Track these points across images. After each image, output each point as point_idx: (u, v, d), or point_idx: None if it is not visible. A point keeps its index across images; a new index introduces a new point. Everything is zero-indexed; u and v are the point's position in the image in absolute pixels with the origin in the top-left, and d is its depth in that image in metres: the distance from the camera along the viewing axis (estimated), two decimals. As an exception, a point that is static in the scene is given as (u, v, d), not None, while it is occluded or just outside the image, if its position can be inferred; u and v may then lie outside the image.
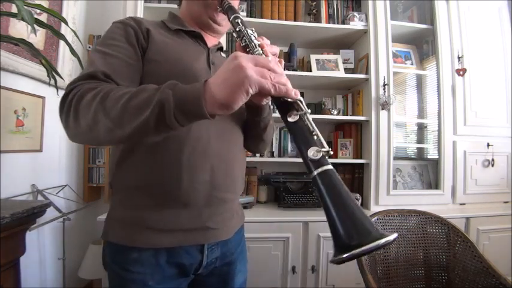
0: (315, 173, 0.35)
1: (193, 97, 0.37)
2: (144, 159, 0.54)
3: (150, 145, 0.54)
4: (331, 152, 0.36)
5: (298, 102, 0.40)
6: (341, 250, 0.31)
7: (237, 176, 0.64)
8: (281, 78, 0.39)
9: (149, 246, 0.54)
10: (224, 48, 0.80)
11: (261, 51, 0.47)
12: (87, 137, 0.44)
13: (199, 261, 0.59)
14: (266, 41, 0.51)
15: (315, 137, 0.38)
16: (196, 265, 0.59)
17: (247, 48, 0.49)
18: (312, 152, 0.36)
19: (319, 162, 0.35)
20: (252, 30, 0.52)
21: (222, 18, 0.65)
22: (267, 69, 0.38)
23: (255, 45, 0.48)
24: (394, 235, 0.31)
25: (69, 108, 0.44)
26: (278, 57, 0.50)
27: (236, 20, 0.54)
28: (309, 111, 0.40)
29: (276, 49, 0.50)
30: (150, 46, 0.57)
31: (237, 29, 0.53)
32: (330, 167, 0.35)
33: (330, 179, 0.34)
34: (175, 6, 1.54)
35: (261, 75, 0.36)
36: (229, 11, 0.58)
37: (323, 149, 0.36)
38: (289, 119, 0.39)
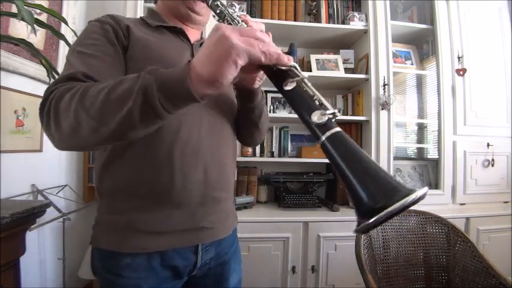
0: (323, 138, 0.31)
1: (177, 78, 0.34)
2: (132, 160, 0.52)
3: (138, 145, 0.51)
4: (338, 114, 0.33)
5: (293, 68, 0.37)
6: (365, 216, 0.27)
7: (230, 174, 0.63)
8: (270, 46, 0.35)
9: (141, 251, 0.52)
10: None
11: (245, 26, 0.44)
12: (72, 141, 0.41)
13: (193, 263, 0.57)
14: (249, 19, 0.48)
15: (317, 102, 0.34)
16: (191, 267, 0.57)
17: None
18: (316, 117, 0.32)
19: (326, 126, 0.32)
20: (234, 9, 0.50)
21: (201, 6, 0.62)
22: (253, 38, 0.34)
23: (239, 22, 0.45)
24: (425, 189, 0.27)
25: (48, 113, 0.41)
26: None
27: (215, 3, 0.50)
28: (307, 75, 0.38)
29: (262, 26, 0.46)
30: (132, 44, 0.53)
31: (218, 11, 0.49)
32: (339, 129, 0.32)
33: (341, 141, 0.31)
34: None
35: (248, 44, 0.33)
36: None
37: (328, 112, 0.32)
38: (286, 88, 0.36)
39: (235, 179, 1.61)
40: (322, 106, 0.34)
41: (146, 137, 0.43)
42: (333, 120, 0.33)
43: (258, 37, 0.34)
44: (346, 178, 0.29)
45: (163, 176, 0.52)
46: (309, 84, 0.36)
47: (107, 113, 0.36)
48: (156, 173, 0.52)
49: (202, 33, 0.71)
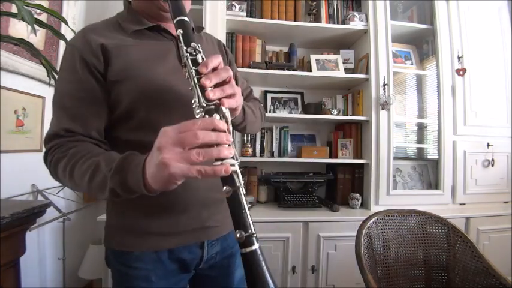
0: (241, 251, 0.38)
1: (136, 187, 0.40)
2: None
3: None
4: (255, 236, 0.38)
5: (234, 175, 0.39)
6: None
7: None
8: (211, 154, 0.36)
9: (151, 250, 0.56)
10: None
11: (201, 100, 0.41)
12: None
13: (199, 257, 0.61)
14: (212, 63, 0.43)
15: (245, 216, 0.38)
16: (197, 260, 0.61)
17: (184, 69, 0.45)
18: (238, 234, 0.37)
19: (244, 244, 0.37)
20: (196, 50, 0.44)
21: None
22: (194, 143, 0.36)
23: (196, 89, 0.42)
24: None
25: (50, 171, 0.51)
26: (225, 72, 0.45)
27: (178, 32, 0.46)
28: (242, 183, 0.40)
29: (226, 74, 0.44)
30: (110, 63, 0.53)
31: (179, 44, 0.46)
32: (252, 248, 0.37)
33: (251, 259, 0.37)
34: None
35: (187, 160, 0.36)
36: (169, 4, 0.48)
37: (247, 233, 0.37)
38: (225, 195, 0.39)
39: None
40: (248, 222, 0.38)
41: None
42: (253, 237, 0.38)
43: (199, 140, 0.36)
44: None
45: None
46: (243, 193, 0.39)
47: (92, 193, 0.46)
48: None
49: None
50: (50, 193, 1.34)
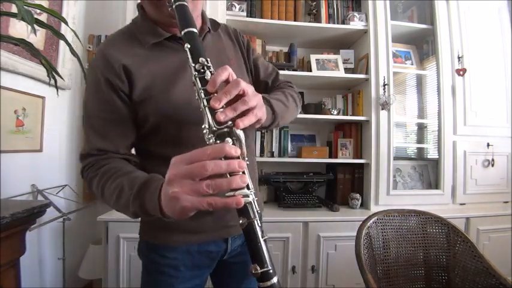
0: (259, 285, 0.37)
1: (154, 211, 0.41)
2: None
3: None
4: (271, 270, 0.37)
5: (247, 206, 0.37)
6: None
7: (252, 175, 0.66)
8: (221, 185, 0.34)
9: (180, 245, 0.62)
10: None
11: (211, 123, 0.39)
12: None
13: (224, 249, 0.66)
14: (222, 76, 0.40)
15: (261, 249, 0.37)
16: (222, 252, 0.66)
17: (195, 87, 0.42)
18: (253, 270, 0.36)
19: (261, 279, 0.36)
20: (205, 66, 0.41)
21: None
22: (203, 175, 0.34)
23: (205, 111, 0.39)
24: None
25: (86, 185, 0.56)
26: (230, 81, 0.41)
27: (185, 46, 0.43)
28: (257, 215, 0.37)
29: (236, 89, 0.40)
30: (133, 84, 0.54)
31: (191, 71, 0.43)
32: (270, 283, 0.36)
33: None
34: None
35: (197, 192, 0.34)
36: (176, 15, 0.45)
37: (263, 268, 0.36)
38: (240, 224, 0.38)
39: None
40: (264, 256, 0.37)
41: None
42: (270, 271, 0.36)
43: (208, 171, 0.34)
44: None
45: None
46: (257, 225, 0.37)
47: (120, 211, 0.49)
48: None
49: (203, 16, 0.64)
50: (50, 193, 1.34)
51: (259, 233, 0.37)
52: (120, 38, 0.59)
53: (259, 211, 0.38)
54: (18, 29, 1.15)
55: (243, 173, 0.36)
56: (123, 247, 1.30)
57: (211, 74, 0.40)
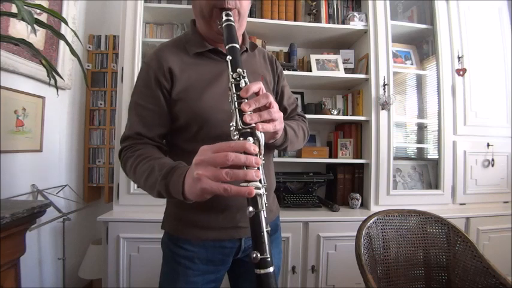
0: (256, 271, 0.40)
1: (176, 193, 0.47)
2: None
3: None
4: (269, 258, 0.40)
5: (257, 197, 0.41)
6: None
7: (270, 180, 0.74)
8: (238, 174, 0.40)
9: (195, 238, 0.67)
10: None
11: (238, 123, 0.45)
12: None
13: (238, 246, 0.70)
14: (254, 88, 0.48)
15: (263, 238, 0.40)
16: (236, 248, 0.70)
17: (229, 92, 0.49)
18: (253, 255, 0.39)
19: (258, 265, 0.39)
20: (240, 76, 0.49)
21: None
22: (225, 164, 0.40)
23: (235, 112, 0.47)
24: None
25: (121, 165, 0.64)
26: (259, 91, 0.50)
27: (227, 58, 0.51)
28: (265, 206, 0.42)
29: (265, 100, 0.48)
30: (175, 84, 0.64)
31: (229, 79, 0.51)
32: (267, 270, 0.39)
33: (265, 281, 0.39)
34: (175, 6, 1.55)
35: (216, 178, 0.41)
36: (225, 32, 0.55)
37: (261, 256, 0.39)
38: (247, 214, 0.41)
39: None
40: (264, 245, 0.40)
41: None
42: (268, 259, 0.40)
43: (230, 162, 0.40)
44: None
45: None
46: (263, 217, 0.42)
47: (146, 190, 0.56)
48: None
49: (244, 37, 0.74)
50: (50, 193, 1.34)
51: (263, 224, 0.41)
52: (172, 45, 0.70)
53: (267, 205, 0.43)
54: (18, 29, 1.15)
55: (258, 168, 0.42)
56: (123, 247, 1.30)
57: (245, 84, 0.49)
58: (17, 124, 1.18)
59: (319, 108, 1.75)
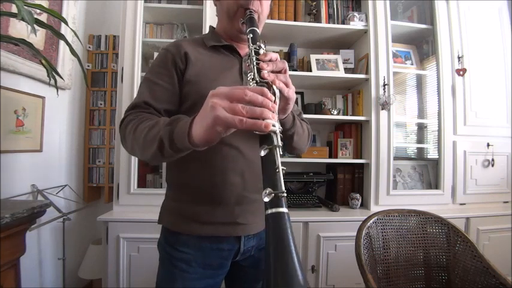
0: (266, 212, 0.34)
1: (181, 136, 0.45)
2: (189, 163, 0.66)
3: (196, 158, 0.63)
4: (284, 194, 0.35)
5: (272, 134, 0.40)
6: None
7: None
8: (255, 111, 0.39)
9: (189, 233, 0.66)
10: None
11: (255, 75, 0.48)
12: (132, 155, 0.62)
13: (237, 248, 0.68)
14: (272, 56, 0.52)
15: (277, 175, 0.37)
16: (235, 251, 0.68)
17: (249, 71, 0.52)
18: (266, 191, 0.35)
19: (270, 204, 0.34)
20: (262, 46, 0.55)
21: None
22: (242, 101, 0.39)
23: (253, 69, 0.50)
24: None
25: (119, 133, 0.62)
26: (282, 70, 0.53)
27: (248, 36, 0.58)
28: (281, 144, 0.40)
29: (282, 65, 0.52)
30: (188, 67, 0.67)
31: (249, 48, 0.56)
32: (280, 210, 0.34)
33: (277, 222, 0.33)
34: (175, 6, 1.55)
35: (232, 110, 0.38)
36: (247, 22, 0.63)
37: (276, 191, 0.35)
38: (260, 153, 0.39)
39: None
40: (279, 182, 0.36)
41: (200, 152, 0.52)
42: (282, 198, 0.35)
43: (247, 99, 0.39)
44: (266, 256, 0.32)
45: (207, 178, 0.66)
46: (279, 154, 0.39)
47: (144, 149, 0.53)
48: (202, 175, 0.66)
49: None
50: (50, 193, 1.34)
51: (279, 161, 0.38)
52: (190, 40, 0.75)
53: (282, 144, 0.40)
54: (18, 29, 1.15)
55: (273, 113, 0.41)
56: (123, 247, 1.30)
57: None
58: (17, 124, 1.18)
59: (319, 108, 1.75)
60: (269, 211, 0.34)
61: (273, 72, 0.50)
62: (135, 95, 0.69)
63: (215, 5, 0.77)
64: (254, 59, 0.51)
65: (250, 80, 0.47)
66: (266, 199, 0.34)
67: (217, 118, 0.38)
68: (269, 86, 0.46)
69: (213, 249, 0.67)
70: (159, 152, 0.49)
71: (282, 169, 0.37)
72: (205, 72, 0.68)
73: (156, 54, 1.56)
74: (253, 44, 0.55)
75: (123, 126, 0.61)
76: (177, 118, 0.49)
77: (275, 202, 0.34)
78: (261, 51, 0.53)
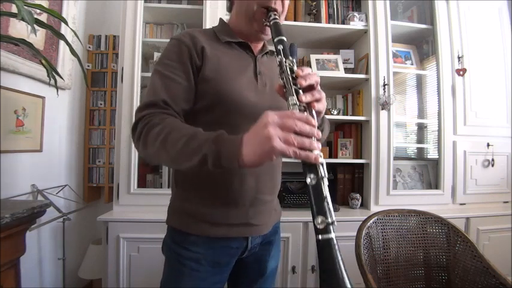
0: (318, 237, 0.39)
1: (230, 157, 0.45)
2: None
3: None
4: (335, 224, 0.40)
5: (320, 165, 0.43)
6: None
7: (278, 179, 0.77)
8: (304, 142, 0.42)
9: (200, 234, 0.65)
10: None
11: (296, 100, 0.48)
12: (151, 160, 0.60)
13: (244, 246, 0.69)
14: (306, 70, 0.52)
15: (326, 204, 0.41)
16: (242, 249, 0.69)
17: (284, 89, 0.52)
18: (319, 219, 0.39)
19: (322, 231, 0.39)
20: (293, 62, 0.53)
21: (270, 31, 0.66)
22: (292, 131, 0.42)
23: (292, 92, 0.50)
24: None
25: (139, 138, 0.56)
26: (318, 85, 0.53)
27: (278, 47, 0.57)
28: (326, 175, 0.43)
29: (316, 78, 0.52)
30: (205, 64, 0.64)
31: (278, 61, 0.55)
32: (330, 236, 0.39)
33: (327, 248, 0.39)
34: (175, 6, 1.55)
35: (286, 141, 0.41)
36: (273, 28, 0.61)
37: (327, 220, 0.39)
38: (307, 181, 0.43)
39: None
40: (328, 210, 0.40)
41: None
42: (331, 226, 0.39)
43: (297, 130, 0.42)
44: (321, 276, 0.40)
45: (224, 181, 0.65)
46: (326, 184, 0.43)
47: (180, 160, 0.50)
48: (218, 177, 0.64)
49: (264, 42, 0.78)
50: (50, 193, 1.34)
51: (326, 191, 0.42)
52: (203, 32, 0.71)
53: (326, 176, 0.44)
54: (18, 29, 1.15)
55: (318, 141, 0.44)
56: (123, 247, 1.30)
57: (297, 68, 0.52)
58: (17, 124, 1.18)
59: (319, 108, 1.75)
60: (320, 236, 0.39)
61: (307, 90, 0.50)
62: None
63: (232, 3, 0.74)
64: (290, 78, 0.50)
65: (292, 104, 0.48)
66: (320, 226, 0.39)
67: (275, 149, 0.41)
68: (309, 107, 0.49)
69: (222, 247, 0.67)
70: (199, 166, 0.48)
71: (326, 197, 0.42)
72: (222, 71, 0.65)
73: (156, 55, 1.56)
74: (286, 58, 0.53)
75: (145, 128, 0.55)
76: (221, 135, 0.47)
77: (326, 229, 0.39)
78: (295, 68, 0.52)
